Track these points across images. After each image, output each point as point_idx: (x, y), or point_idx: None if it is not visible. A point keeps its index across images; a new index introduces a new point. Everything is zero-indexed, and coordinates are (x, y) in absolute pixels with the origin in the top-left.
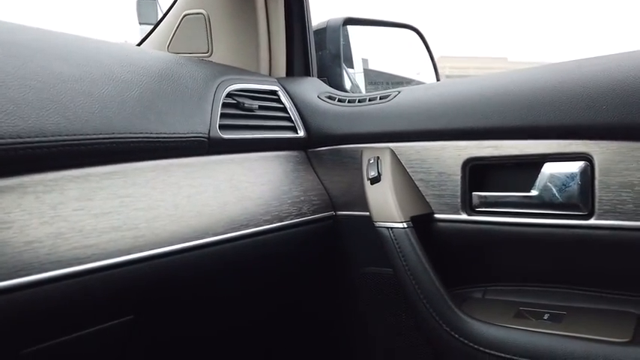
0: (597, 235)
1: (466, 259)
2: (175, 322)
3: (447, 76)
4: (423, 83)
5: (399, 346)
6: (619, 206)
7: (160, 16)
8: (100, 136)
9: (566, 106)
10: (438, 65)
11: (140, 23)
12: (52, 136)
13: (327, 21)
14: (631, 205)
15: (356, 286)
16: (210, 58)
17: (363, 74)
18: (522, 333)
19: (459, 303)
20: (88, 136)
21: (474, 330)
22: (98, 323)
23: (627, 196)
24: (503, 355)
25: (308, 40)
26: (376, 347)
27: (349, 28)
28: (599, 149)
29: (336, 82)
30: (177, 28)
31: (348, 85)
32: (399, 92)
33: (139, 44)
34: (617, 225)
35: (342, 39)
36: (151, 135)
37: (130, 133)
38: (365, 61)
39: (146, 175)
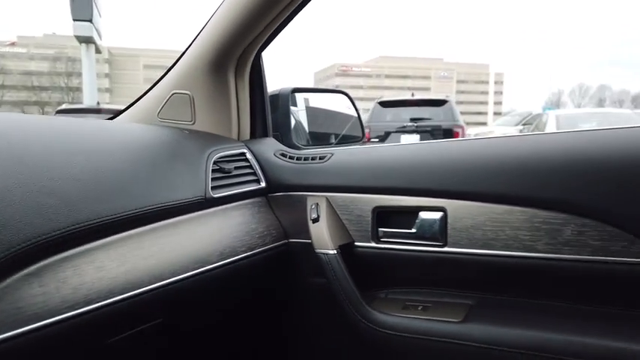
0: (448, 257)
1: (375, 272)
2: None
3: (387, 76)
4: (352, 116)
5: (328, 332)
6: (460, 240)
7: (95, 13)
8: (127, 212)
9: (434, 176)
10: (378, 65)
11: (74, 20)
12: (96, 218)
13: (280, 90)
14: (467, 240)
15: (302, 290)
16: (193, 126)
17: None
18: (407, 319)
19: (370, 301)
20: (119, 214)
21: (379, 318)
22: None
23: (465, 234)
24: (396, 333)
25: (266, 108)
26: (315, 336)
27: (296, 95)
28: (450, 204)
29: (286, 136)
30: (167, 102)
31: (294, 132)
32: (333, 154)
33: (125, 110)
34: (460, 251)
35: (290, 103)
36: (167, 204)
37: (149, 205)
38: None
39: (160, 232)
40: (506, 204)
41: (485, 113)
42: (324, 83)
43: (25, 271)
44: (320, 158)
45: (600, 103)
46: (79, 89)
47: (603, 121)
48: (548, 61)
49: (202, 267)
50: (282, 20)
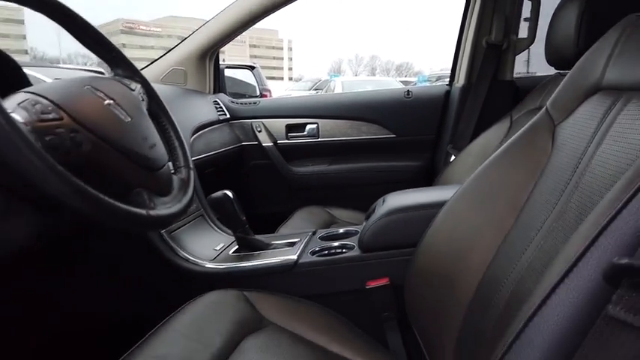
0: (320, 143)
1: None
2: None
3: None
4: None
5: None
6: (327, 134)
7: None
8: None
9: (311, 109)
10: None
11: None
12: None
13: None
14: (329, 133)
15: None
16: (185, 87)
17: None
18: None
19: None
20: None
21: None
22: None
23: (328, 133)
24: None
25: (221, 77)
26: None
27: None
28: (320, 121)
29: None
30: (167, 74)
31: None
32: (259, 102)
33: (142, 69)
34: (327, 140)
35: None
36: (197, 124)
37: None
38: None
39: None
40: (342, 119)
41: (280, 78)
42: None
43: None
44: (253, 103)
45: (372, 71)
46: None
47: (376, 87)
48: (330, 30)
49: None
50: (240, 29)
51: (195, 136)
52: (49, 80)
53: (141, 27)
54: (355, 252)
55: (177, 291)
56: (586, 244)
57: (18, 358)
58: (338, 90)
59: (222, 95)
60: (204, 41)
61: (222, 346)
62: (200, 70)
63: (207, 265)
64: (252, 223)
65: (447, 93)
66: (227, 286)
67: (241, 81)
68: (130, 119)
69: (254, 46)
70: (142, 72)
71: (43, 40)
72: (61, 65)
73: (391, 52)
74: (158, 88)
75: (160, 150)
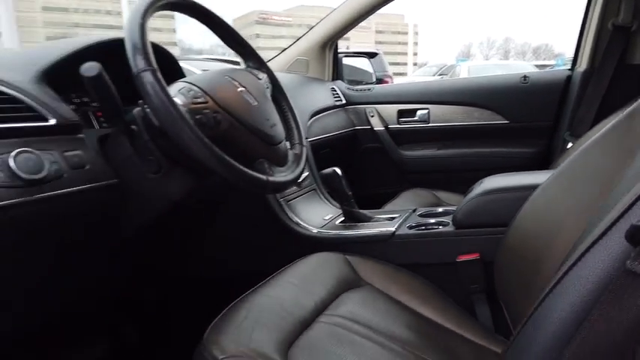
0: (431, 128)
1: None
2: None
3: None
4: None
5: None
6: (437, 119)
7: None
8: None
9: (423, 94)
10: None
11: None
12: None
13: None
14: (442, 119)
15: None
16: (307, 75)
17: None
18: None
19: None
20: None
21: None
22: None
23: (440, 117)
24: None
25: (339, 65)
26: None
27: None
28: (431, 107)
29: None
30: (292, 63)
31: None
32: (373, 88)
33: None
34: (438, 125)
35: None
36: (314, 109)
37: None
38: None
39: None
40: (454, 105)
41: (404, 64)
42: (243, 32)
43: None
44: (368, 90)
45: (505, 54)
46: None
47: (506, 72)
48: (459, 14)
49: None
50: (359, 20)
51: (312, 119)
52: (198, 71)
53: (273, 17)
54: (449, 228)
55: (290, 250)
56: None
57: (163, 289)
58: (463, 76)
59: (339, 82)
60: (324, 33)
61: (323, 296)
62: (320, 60)
63: (314, 231)
64: (361, 201)
65: (568, 78)
66: (331, 250)
67: (358, 68)
68: (256, 103)
69: (379, 31)
70: (271, 62)
71: (189, 33)
72: (203, 57)
73: (528, 33)
74: (284, 76)
75: (279, 129)
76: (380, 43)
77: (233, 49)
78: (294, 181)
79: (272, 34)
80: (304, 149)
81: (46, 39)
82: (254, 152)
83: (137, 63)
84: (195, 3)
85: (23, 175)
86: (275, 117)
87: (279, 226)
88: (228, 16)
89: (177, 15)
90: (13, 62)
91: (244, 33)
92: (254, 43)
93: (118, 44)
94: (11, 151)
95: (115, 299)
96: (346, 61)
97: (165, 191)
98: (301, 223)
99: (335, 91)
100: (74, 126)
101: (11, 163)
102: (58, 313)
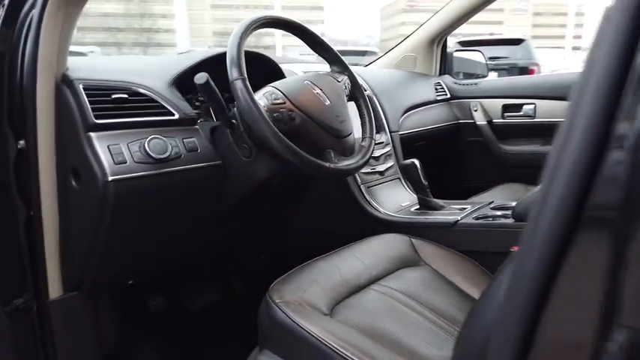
0: (538, 123)
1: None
2: None
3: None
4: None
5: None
6: (544, 114)
7: None
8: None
9: (531, 88)
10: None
11: None
12: None
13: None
14: (549, 113)
15: None
16: (414, 70)
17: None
18: None
19: None
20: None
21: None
22: None
23: (548, 113)
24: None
25: (447, 61)
26: None
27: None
28: (537, 102)
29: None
30: (400, 60)
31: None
32: (479, 83)
33: (374, 61)
34: (546, 120)
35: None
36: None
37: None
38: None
39: None
40: (562, 100)
41: (560, 48)
42: (389, 20)
43: None
44: (474, 84)
45: None
46: (150, 30)
47: None
48: None
49: None
50: (465, 18)
51: (406, 115)
52: (300, 73)
53: (420, 4)
54: (508, 220)
55: (364, 229)
56: None
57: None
58: None
59: (446, 77)
60: (433, 29)
61: (381, 269)
62: (428, 55)
63: (386, 214)
64: (455, 193)
65: None
66: (400, 232)
67: (471, 61)
68: (329, 102)
69: (538, 14)
70: (381, 59)
71: (335, 26)
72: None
73: None
74: (389, 72)
75: (348, 124)
76: (537, 26)
77: (320, 55)
78: (356, 169)
79: (418, 20)
80: (372, 142)
81: (212, 34)
82: (323, 143)
83: (232, 73)
84: (287, 19)
85: (154, 155)
86: (346, 113)
87: (356, 207)
88: (376, 4)
89: (326, 7)
90: (153, 69)
91: (390, 22)
92: (398, 32)
93: (224, 57)
94: (147, 137)
95: (223, 256)
96: (458, 54)
97: (255, 173)
98: (376, 206)
99: (440, 85)
100: (192, 119)
101: (146, 145)
102: (179, 264)
